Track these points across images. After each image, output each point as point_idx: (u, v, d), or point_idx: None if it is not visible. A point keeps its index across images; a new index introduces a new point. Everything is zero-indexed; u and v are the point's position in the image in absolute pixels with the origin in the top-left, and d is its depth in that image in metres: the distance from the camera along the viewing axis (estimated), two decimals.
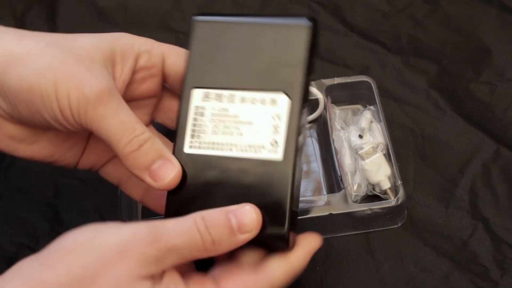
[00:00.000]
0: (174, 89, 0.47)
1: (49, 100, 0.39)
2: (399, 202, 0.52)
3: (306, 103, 0.42)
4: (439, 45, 0.64)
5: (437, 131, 0.59)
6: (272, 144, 0.41)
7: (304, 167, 0.57)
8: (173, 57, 0.45)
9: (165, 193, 0.42)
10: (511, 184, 0.56)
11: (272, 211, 0.40)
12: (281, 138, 0.41)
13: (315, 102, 0.58)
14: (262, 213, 0.40)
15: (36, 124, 0.42)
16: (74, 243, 0.37)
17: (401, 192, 0.53)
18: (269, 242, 0.41)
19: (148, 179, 0.40)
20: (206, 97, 0.42)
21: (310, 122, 0.59)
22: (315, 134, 0.59)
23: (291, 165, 0.41)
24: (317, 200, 0.54)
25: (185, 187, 0.41)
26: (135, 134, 0.40)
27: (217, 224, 0.38)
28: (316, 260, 0.53)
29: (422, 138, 0.59)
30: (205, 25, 0.44)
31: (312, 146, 0.58)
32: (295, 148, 0.41)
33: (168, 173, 0.40)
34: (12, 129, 0.43)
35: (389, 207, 0.53)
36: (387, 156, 0.55)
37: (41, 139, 0.44)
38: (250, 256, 0.41)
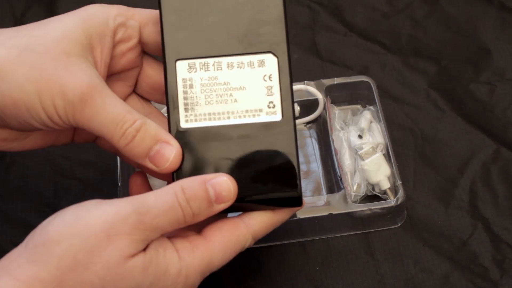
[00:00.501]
0: (154, 55, 0.46)
1: (36, 111, 0.39)
2: (398, 202, 0.52)
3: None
4: (438, 45, 0.64)
5: (436, 131, 0.59)
6: (269, 106, 0.41)
7: (304, 167, 0.57)
8: (149, 25, 0.43)
9: None
10: (510, 184, 0.56)
11: (282, 171, 0.41)
12: (276, 98, 0.41)
13: (315, 102, 0.58)
14: (273, 174, 0.40)
15: (27, 130, 0.42)
16: (58, 232, 0.36)
17: (400, 192, 0.53)
18: (283, 202, 0.41)
19: (150, 165, 0.40)
20: (191, 68, 0.42)
21: (309, 122, 0.59)
22: (314, 134, 0.59)
23: (291, 124, 0.41)
24: (316, 200, 0.54)
25: (188, 161, 0.41)
26: (126, 126, 0.39)
27: (197, 197, 0.38)
28: (316, 260, 0.53)
29: (422, 138, 0.59)
30: None
31: (311, 146, 0.58)
32: (292, 106, 0.41)
33: (168, 155, 0.40)
34: (2, 133, 0.43)
35: (388, 207, 0.53)
36: (387, 156, 0.55)
37: (32, 136, 0.44)
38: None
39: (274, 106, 0.41)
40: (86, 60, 0.40)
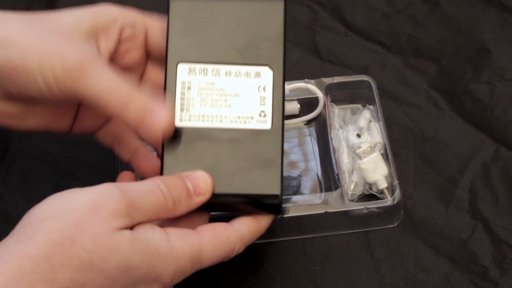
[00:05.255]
0: (158, 61, 0.47)
1: (34, 78, 0.40)
2: (395, 202, 0.52)
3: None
4: (438, 45, 0.64)
5: (436, 131, 0.59)
6: (260, 115, 0.43)
7: (302, 165, 0.57)
8: (156, 31, 0.46)
9: (153, 155, 0.46)
10: (511, 184, 0.56)
11: (265, 177, 0.43)
12: (268, 108, 0.43)
13: (315, 101, 0.58)
14: (257, 178, 0.42)
15: (26, 100, 0.43)
16: (44, 212, 0.37)
17: (397, 192, 0.53)
18: (263, 206, 0.43)
19: (143, 128, 0.41)
20: (191, 71, 0.44)
21: (309, 120, 0.59)
22: (314, 133, 0.59)
23: (279, 134, 0.43)
24: (313, 198, 0.54)
25: (178, 157, 0.43)
26: (123, 92, 0.41)
27: (176, 185, 0.40)
28: (316, 260, 0.53)
29: (422, 138, 0.59)
30: (182, 3, 0.44)
31: (310, 145, 0.58)
32: (282, 117, 0.43)
33: (161, 120, 0.41)
34: (3, 107, 0.44)
35: (385, 207, 0.53)
36: (385, 156, 0.55)
37: (33, 113, 0.45)
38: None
39: (265, 115, 0.43)
40: (89, 43, 0.42)
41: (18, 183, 0.58)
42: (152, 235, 0.39)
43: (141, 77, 0.48)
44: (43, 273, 0.35)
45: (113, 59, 0.45)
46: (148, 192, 0.39)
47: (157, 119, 0.41)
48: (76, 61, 0.40)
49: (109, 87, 0.41)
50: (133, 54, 0.46)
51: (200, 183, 0.41)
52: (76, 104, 0.47)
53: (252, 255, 0.53)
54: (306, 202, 0.53)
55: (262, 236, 0.54)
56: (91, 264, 0.36)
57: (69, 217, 0.36)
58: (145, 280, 0.38)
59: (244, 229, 0.43)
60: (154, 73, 0.48)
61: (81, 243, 0.36)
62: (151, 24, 0.46)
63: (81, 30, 0.42)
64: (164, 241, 0.39)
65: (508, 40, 0.64)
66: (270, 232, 0.53)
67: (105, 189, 0.38)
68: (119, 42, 0.45)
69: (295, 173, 0.57)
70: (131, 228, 0.38)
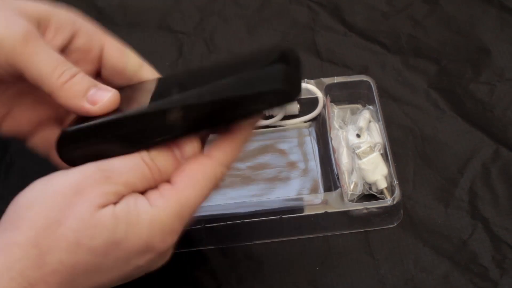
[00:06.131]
0: (107, 82, 0.45)
1: None
2: (395, 202, 0.52)
3: None
4: (438, 45, 0.64)
5: (436, 131, 0.59)
6: None
7: (302, 165, 0.57)
8: (113, 50, 0.44)
9: None
10: (510, 184, 0.56)
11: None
12: None
13: (315, 101, 0.58)
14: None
15: None
16: (28, 199, 0.37)
17: (397, 192, 0.53)
18: (266, 98, 0.38)
19: (87, 105, 0.40)
20: None
21: (309, 120, 0.59)
22: (313, 133, 0.59)
23: None
24: (313, 198, 0.54)
25: None
26: (66, 66, 0.40)
27: (163, 156, 0.39)
28: (316, 260, 0.53)
29: (422, 138, 0.59)
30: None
31: (310, 145, 0.58)
32: None
33: (105, 94, 0.40)
34: None
35: (385, 207, 0.53)
36: (384, 156, 0.55)
37: None
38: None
39: None
40: (36, 26, 0.41)
41: (18, 183, 0.57)
42: (134, 204, 0.38)
43: (101, 59, 0.46)
44: (32, 258, 0.36)
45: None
46: (132, 167, 0.39)
47: (104, 94, 0.40)
48: (21, 30, 0.39)
49: (53, 60, 0.40)
50: (82, 67, 0.43)
51: (186, 147, 0.40)
52: (11, 96, 0.45)
53: (252, 255, 0.53)
54: (306, 202, 0.53)
55: (262, 236, 0.54)
56: (78, 243, 0.36)
57: (53, 202, 0.37)
58: (137, 252, 0.38)
59: (219, 153, 0.40)
60: (112, 52, 0.45)
61: (67, 224, 0.36)
62: (108, 43, 0.44)
63: (32, 12, 0.41)
64: (146, 208, 0.38)
65: (508, 40, 0.64)
66: (270, 232, 0.54)
67: (87, 171, 0.38)
68: (70, 50, 0.43)
69: (295, 173, 0.57)
70: (116, 203, 0.38)
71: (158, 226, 0.38)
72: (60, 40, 0.43)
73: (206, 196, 0.40)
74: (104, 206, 0.37)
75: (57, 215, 0.36)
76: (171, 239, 0.39)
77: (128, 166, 0.39)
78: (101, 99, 0.40)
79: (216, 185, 0.41)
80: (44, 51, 0.40)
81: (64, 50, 0.43)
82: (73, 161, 0.40)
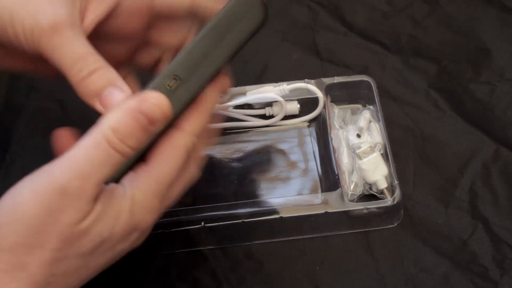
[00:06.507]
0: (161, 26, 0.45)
1: (4, 27, 0.39)
2: (395, 202, 0.52)
3: None
4: (438, 45, 0.64)
5: (436, 131, 0.59)
6: None
7: (302, 165, 0.57)
8: None
9: None
10: (511, 184, 0.56)
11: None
12: None
13: (315, 101, 0.58)
14: None
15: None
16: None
17: (397, 192, 0.53)
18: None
19: (98, 106, 0.39)
20: None
21: (309, 120, 0.59)
22: (314, 133, 0.59)
23: None
24: (313, 198, 0.54)
25: None
26: (87, 62, 0.39)
27: (130, 133, 0.36)
28: (316, 260, 0.53)
29: (422, 138, 0.59)
30: None
31: (310, 145, 0.58)
32: None
33: (118, 98, 0.39)
34: None
35: (385, 207, 0.53)
36: (385, 156, 0.55)
37: (11, 55, 0.43)
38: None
39: None
40: (73, 4, 0.40)
41: None
42: (113, 197, 0.37)
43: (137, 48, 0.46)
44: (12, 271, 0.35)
45: (104, 26, 0.43)
46: (103, 162, 0.36)
47: (116, 97, 0.39)
48: (48, 19, 0.38)
49: (77, 53, 0.39)
50: (130, 26, 0.43)
51: (153, 114, 0.37)
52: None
53: (252, 255, 0.53)
54: (306, 202, 0.53)
55: (262, 236, 0.54)
56: (65, 256, 0.36)
57: (27, 228, 0.35)
58: (121, 238, 0.38)
59: (186, 123, 0.39)
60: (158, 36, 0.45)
61: (49, 247, 0.35)
62: None
63: None
64: (123, 195, 0.37)
65: (508, 40, 0.64)
66: (270, 232, 0.54)
67: (57, 185, 0.35)
68: (115, 14, 0.42)
69: (295, 173, 0.57)
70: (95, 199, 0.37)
71: (138, 208, 0.38)
72: (103, 8, 0.42)
73: (179, 168, 0.39)
74: (82, 220, 0.36)
75: (35, 239, 0.35)
76: (151, 217, 0.39)
77: (98, 163, 0.36)
78: (111, 102, 0.39)
79: (191, 157, 0.40)
80: (69, 43, 0.39)
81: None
82: None
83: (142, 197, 0.38)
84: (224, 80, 0.41)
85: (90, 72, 0.39)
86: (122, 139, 0.36)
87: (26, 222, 0.35)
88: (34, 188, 0.36)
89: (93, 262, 0.37)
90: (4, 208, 0.36)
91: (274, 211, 0.52)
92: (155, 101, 0.37)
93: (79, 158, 0.36)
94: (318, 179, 0.57)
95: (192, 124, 0.40)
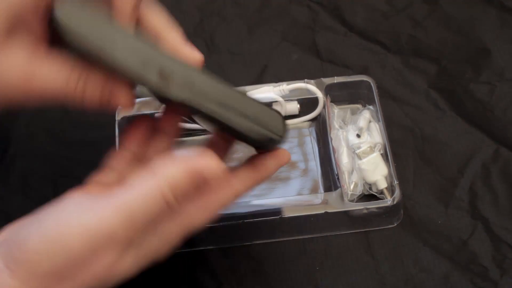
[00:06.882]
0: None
1: None
2: (395, 202, 0.52)
3: None
4: (438, 45, 0.64)
5: (436, 131, 0.59)
6: None
7: (302, 165, 0.57)
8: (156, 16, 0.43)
9: None
10: (510, 184, 0.56)
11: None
12: None
13: (315, 101, 0.58)
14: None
15: None
16: (38, 253, 0.35)
17: (397, 192, 0.53)
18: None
19: (107, 105, 0.39)
20: None
21: (309, 120, 0.59)
22: (313, 133, 0.59)
23: None
24: (313, 198, 0.54)
25: None
26: (74, 80, 0.38)
27: (185, 192, 0.37)
28: (316, 260, 0.53)
29: (422, 138, 0.59)
30: None
31: (310, 145, 0.58)
32: None
33: (122, 92, 0.39)
34: None
35: (385, 207, 0.53)
36: (385, 156, 0.55)
37: None
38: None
39: None
40: (17, 37, 0.38)
41: (18, 183, 0.58)
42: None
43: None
44: None
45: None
46: (154, 216, 0.36)
47: (119, 91, 0.39)
48: (18, 77, 0.37)
49: (61, 79, 0.38)
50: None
51: (210, 175, 0.37)
52: None
53: (252, 255, 0.53)
54: (306, 202, 0.53)
55: (262, 236, 0.54)
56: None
57: (66, 260, 0.35)
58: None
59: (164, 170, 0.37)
60: None
61: (82, 279, 0.36)
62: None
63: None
64: None
65: (508, 40, 0.64)
66: (270, 232, 0.54)
67: (106, 225, 0.35)
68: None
69: (295, 173, 0.57)
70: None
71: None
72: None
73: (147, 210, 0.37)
74: (117, 262, 0.37)
75: (71, 272, 0.35)
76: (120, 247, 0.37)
77: (150, 214, 0.36)
78: (118, 99, 0.39)
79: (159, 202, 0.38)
80: (48, 69, 0.38)
81: None
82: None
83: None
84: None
85: (84, 84, 0.38)
86: (176, 197, 0.36)
87: (67, 256, 0.35)
88: (83, 223, 0.35)
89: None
90: (46, 232, 0.36)
91: (274, 211, 0.52)
92: (214, 164, 0.37)
93: (133, 206, 0.36)
94: (318, 179, 0.57)
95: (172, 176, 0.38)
